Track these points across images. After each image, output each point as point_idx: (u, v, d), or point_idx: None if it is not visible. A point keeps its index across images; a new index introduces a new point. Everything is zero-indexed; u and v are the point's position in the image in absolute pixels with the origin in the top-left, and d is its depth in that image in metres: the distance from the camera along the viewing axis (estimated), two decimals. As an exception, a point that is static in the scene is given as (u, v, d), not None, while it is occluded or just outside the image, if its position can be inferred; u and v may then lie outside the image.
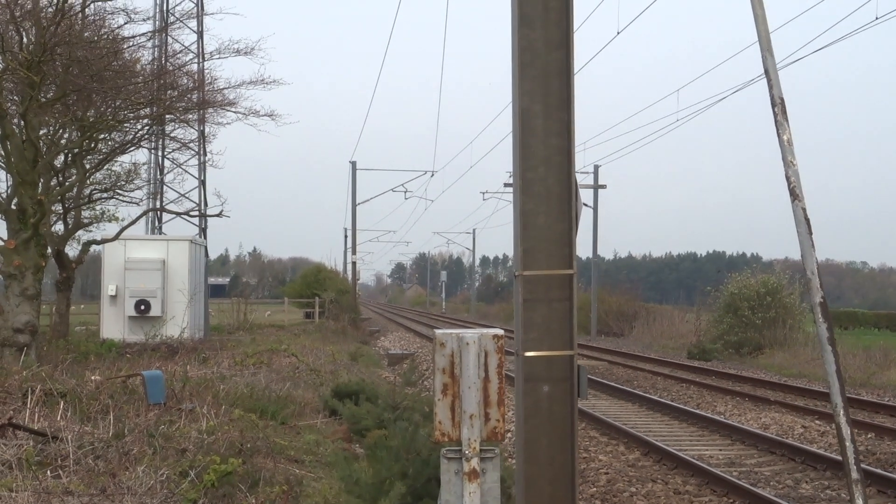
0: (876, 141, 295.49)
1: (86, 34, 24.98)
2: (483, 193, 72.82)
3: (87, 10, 25.24)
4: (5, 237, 23.61)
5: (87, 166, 31.00)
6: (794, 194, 5.47)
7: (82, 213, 32.83)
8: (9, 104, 24.73)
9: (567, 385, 7.65)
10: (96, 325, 37.67)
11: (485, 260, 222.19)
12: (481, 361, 6.08)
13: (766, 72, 5.57)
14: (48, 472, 10.27)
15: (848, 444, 5.34)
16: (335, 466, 12.38)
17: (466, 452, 6.03)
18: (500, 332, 6.21)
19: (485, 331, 6.20)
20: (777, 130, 5.56)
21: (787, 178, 5.50)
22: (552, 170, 7.68)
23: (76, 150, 29.17)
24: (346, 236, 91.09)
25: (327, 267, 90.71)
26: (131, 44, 28.76)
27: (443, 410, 6.13)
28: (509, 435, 16.10)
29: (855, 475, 5.41)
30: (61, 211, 31.47)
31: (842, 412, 5.31)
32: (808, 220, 5.50)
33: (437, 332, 6.23)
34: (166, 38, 38.72)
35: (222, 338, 37.91)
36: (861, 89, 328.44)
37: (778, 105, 5.53)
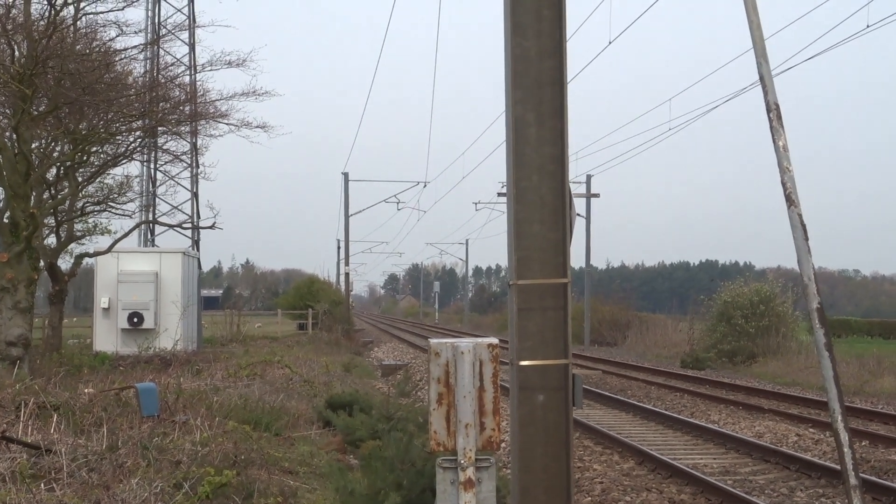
0: (868, 149, 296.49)
1: (78, 47, 25.01)
2: (476, 204, 73.10)
3: (78, 22, 25.29)
4: (-2, 250, 23.56)
5: (80, 179, 30.98)
6: (790, 200, 5.47)
7: (75, 225, 32.80)
8: (0, 117, 24.71)
9: (562, 394, 7.64)
10: (89, 337, 37.60)
11: (478, 270, 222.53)
12: (476, 371, 6.07)
13: (761, 78, 5.57)
14: (42, 485, 10.23)
15: (846, 449, 5.33)
16: (329, 477, 12.33)
17: (462, 462, 6.02)
18: (495, 341, 6.20)
19: (479, 340, 6.19)
20: (772, 136, 5.56)
21: (783, 184, 5.50)
22: (546, 178, 7.67)
23: (68, 163, 29.14)
24: (338, 247, 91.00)
25: (320, 278, 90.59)
26: (123, 56, 28.83)
27: (438, 420, 6.11)
28: (504, 445, 16.09)
29: (853, 481, 5.41)
30: (54, 224, 31.46)
31: (839, 418, 5.30)
32: (804, 226, 5.50)
33: (432, 341, 6.22)
34: (158, 51, 38.72)
35: (215, 350, 37.84)
36: (853, 98, 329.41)
37: (773, 111, 5.54)
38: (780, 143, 5.52)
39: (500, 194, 62.39)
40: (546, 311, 7.63)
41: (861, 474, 13.34)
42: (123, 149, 32.50)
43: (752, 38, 5.69)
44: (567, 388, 7.66)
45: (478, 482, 6.04)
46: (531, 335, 7.64)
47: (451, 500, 6.05)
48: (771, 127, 5.55)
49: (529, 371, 7.62)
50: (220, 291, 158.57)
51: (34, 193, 25.01)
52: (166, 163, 43.63)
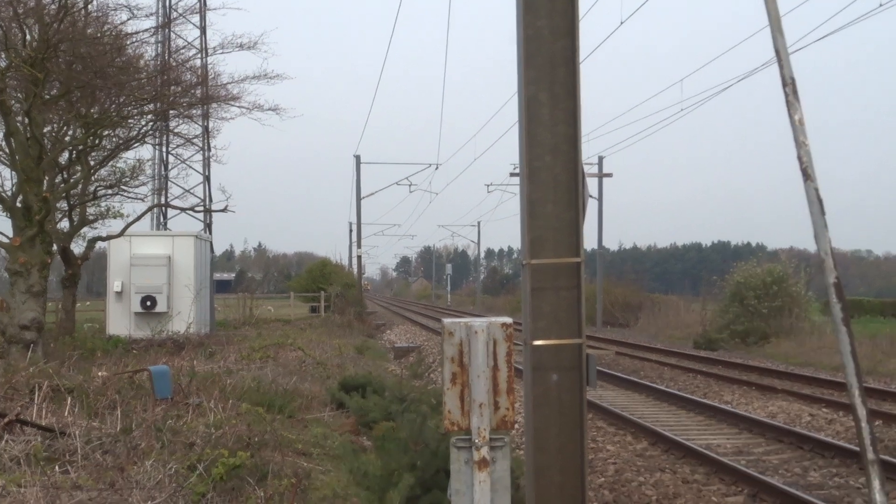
0: (880, 129, 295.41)
1: (89, 31, 24.99)
2: (488, 185, 73.05)
3: (89, 6, 25.24)
4: (11, 234, 23.60)
5: (92, 163, 31.00)
6: (807, 174, 5.42)
7: (87, 209, 32.82)
8: (13, 101, 24.71)
9: (576, 374, 7.62)
10: (102, 321, 37.68)
11: (490, 252, 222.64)
12: (490, 350, 6.05)
13: (777, 52, 5.53)
14: (56, 467, 10.27)
15: (864, 424, 5.30)
16: (343, 459, 12.35)
17: (476, 441, 6.01)
18: (509, 320, 6.18)
19: (493, 319, 6.17)
20: (788, 111, 5.52)
21: (800, 159, 5.46)
22: (559, 158, 7.65)
23: (80, 147, 29.16)
24: (350, 230, 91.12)
25: (332, 261, 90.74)
26: (134, 40, 28.81)
27: (452, 399, 6.10)
28: (517, 426, 16.09)
29: (871, 456, 5.37)
30: (66, 208, 31.49)
31: (857, 393, 5.27)
32: (820, 200, 5.46)
33: (446, 320, 6.20)
34: (169, 34, 38.66)
35: (228, 333, 37.94)
36: (862, 78, 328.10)
37: (789, 85, 5.50)
38: (797, 118, 5.48)
39: (512, 175, 62.35)
40: (560, 291, 7.61)
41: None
42: (135, 132, 32.53)
43: (768, 12, 5.65)
44: (581, 367, 7.64)
45: (492, 462, 6.03)
46: (545, 315, 7.62)
47: (466, 479, 6.04)
48: (787, 101, 5.50)
49: (543, 351, 7.61)
50: (233, 275, 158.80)
51: (47, 177, 25.03)
52: (178, 146, 43.71)
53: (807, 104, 5.62)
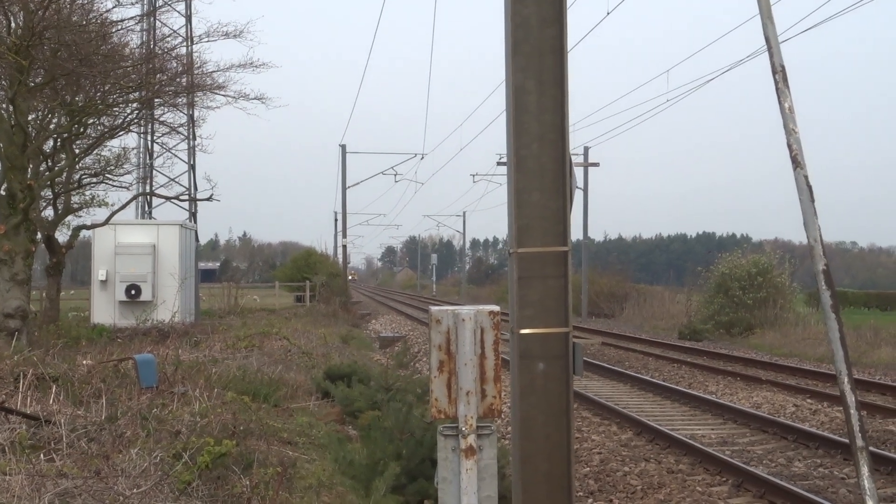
0: (866, 121, 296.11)
1: (74, 18, 24.86)
2: (473, 176, 73.04)
3: (74, -7, 25.11)
4: (-5, 222, 23.50)
5: (77, 151, 30.89)
6: (796, 162, 5.44)
7: (72, 198, 32.74)
8: (-3, 89, 24.63)
9: (563, 362, 7.62)
10: (87, 310, 37.58)
11: (475, 242, 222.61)
12: (477, 338, 6.04)
13: (767, 39, 5.53)
14: (41, 455, 10.22)
15: (853, 411, 5.33)
16: (329, 448, 12.33)
17: (463, 429, 6.00)
18: (497, 308, 6.17)
19: (480, 307, 6.16)
20: (778, 98, 5.54)
21: (789, 146, 5.47)
22: (546, 146, 7.64)
23: (65, 135, 29.04)
24: (336, 220, 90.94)
25: (317, 251, 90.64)
26: (120, 28, 28.69)
27: (439, 387, 6.09)
28: (502, 415, 16.09)
29: (860, 443, 5.40)
30: (51, 196, 31.37)
31: (846, 379, 5.29)
32: (810, 188, 5.48)
33: (433, 308, 6.19)
34: (155, 22, 38.55)
35: (213, 322, 37.85)
36: (851, 70, 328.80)
37: (779, 73, 5.51)
38: (787, 105, 5.50)
39: (499, 163, 62.40)
40: (547, 280, 7.61)
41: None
42: (120, 121, 32.42)
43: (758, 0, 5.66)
44: (567, 356, 7.64)
45: (479, 449, 6.02)
46: (532, 304, 7.62)
47: (453, 467, 6.04)
48: (777, 89, 5.51)
49: (530, 339, 7.61)
50: (218, 264, 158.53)
51: (31, 165, 24.93)
52: (163, 135, 43.59)
53: (794, 95, 5.64)
